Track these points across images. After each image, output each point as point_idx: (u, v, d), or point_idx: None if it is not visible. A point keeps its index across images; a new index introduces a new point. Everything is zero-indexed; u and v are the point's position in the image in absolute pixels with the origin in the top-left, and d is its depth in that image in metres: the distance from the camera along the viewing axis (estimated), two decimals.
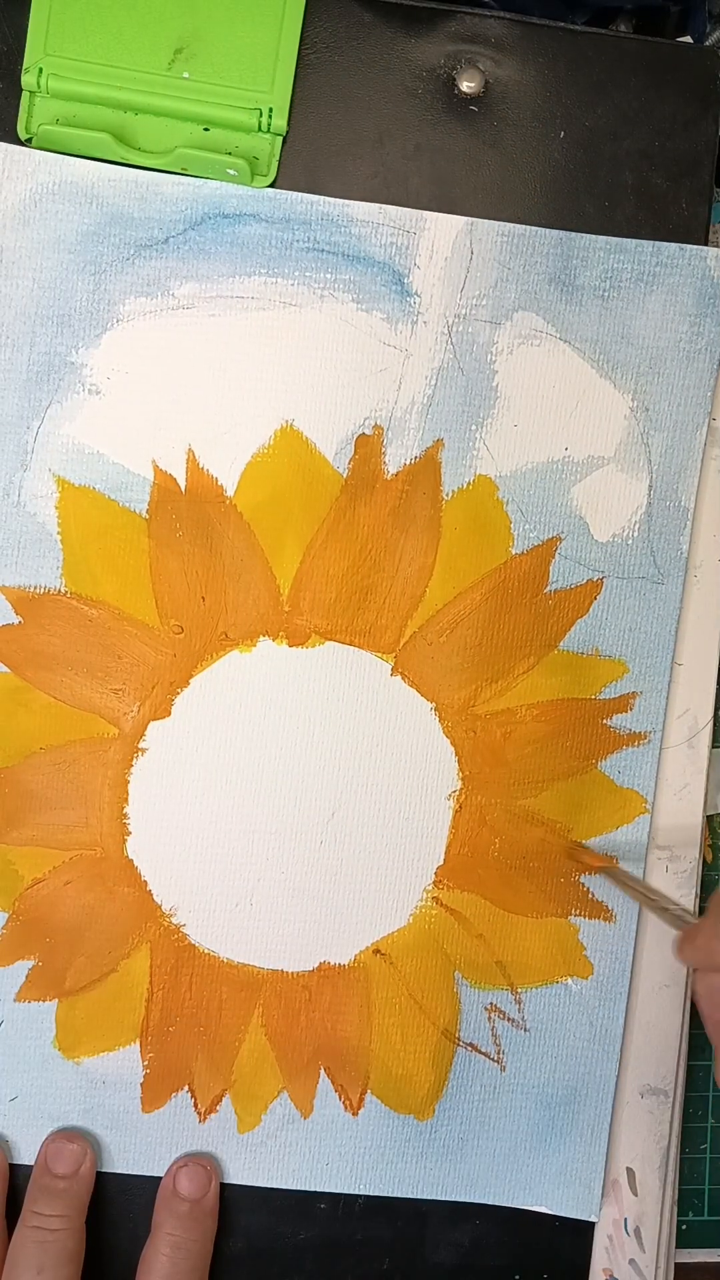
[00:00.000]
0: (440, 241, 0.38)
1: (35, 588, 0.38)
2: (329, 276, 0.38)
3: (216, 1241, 0.38)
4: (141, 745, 0.38)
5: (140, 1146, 0.39)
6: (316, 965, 0.39)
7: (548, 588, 0.39)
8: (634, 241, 0.39)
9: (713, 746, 0.41)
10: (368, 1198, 0.40)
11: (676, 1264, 0.41)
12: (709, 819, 0.41)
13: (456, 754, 0.39)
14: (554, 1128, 0.40)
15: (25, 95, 0.37)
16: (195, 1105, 0.39)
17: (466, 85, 0.38)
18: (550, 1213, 0.40)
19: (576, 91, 0.39)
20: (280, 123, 0.37)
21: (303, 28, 0.37)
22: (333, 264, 0.38)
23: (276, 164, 0.38)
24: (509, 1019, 0.40)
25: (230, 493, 0.38)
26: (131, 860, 0.39)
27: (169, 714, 0.38)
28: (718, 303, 0.39)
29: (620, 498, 0.39)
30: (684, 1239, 0.42)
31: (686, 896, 0.40)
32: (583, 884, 0.40)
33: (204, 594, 0.38)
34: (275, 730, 0.39)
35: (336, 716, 0.39)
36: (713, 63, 0.39)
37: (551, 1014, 0.40)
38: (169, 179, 0.37)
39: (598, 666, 0.40)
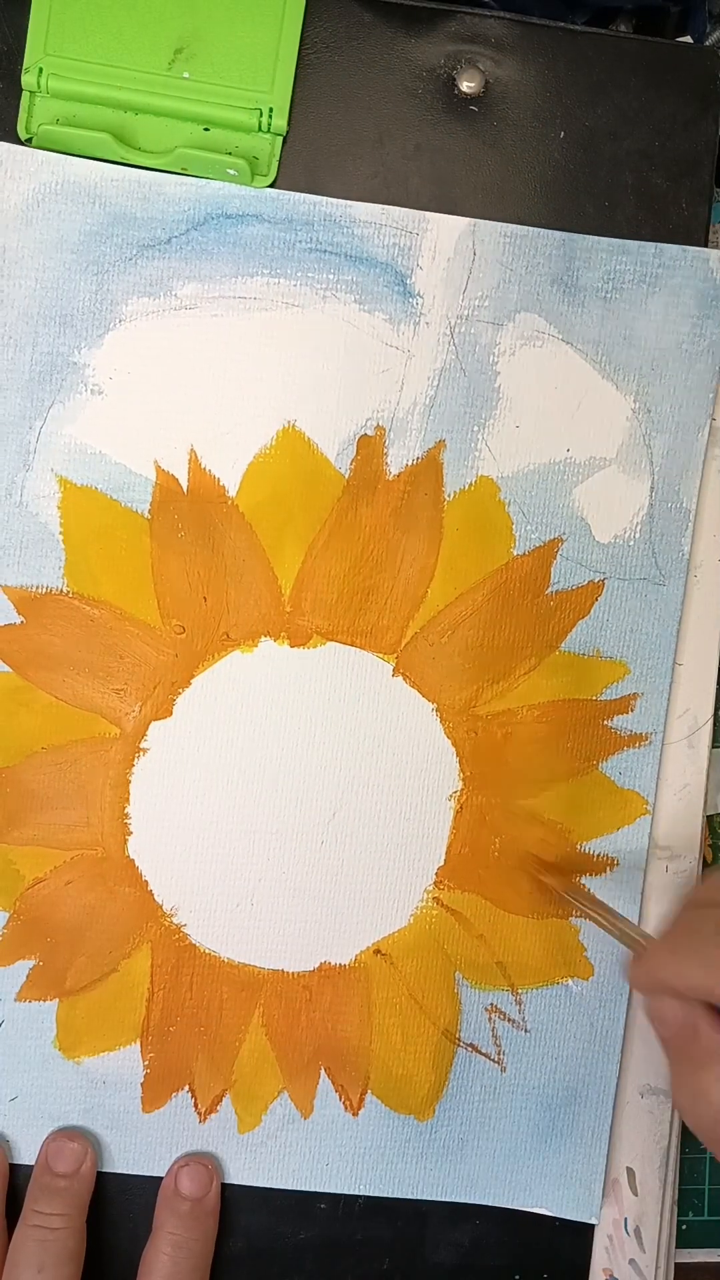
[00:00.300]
0: (443, 242, 0.38)
1: (37, 588, 0.38)
2: (331, 277, 0.38)
3: (217, 1241, 0.39)
4: (143, 745, 0.38)
5: (140, 1146, 0.39)
6: (317, 965, 0.39)
7: (549, 589, 0.39)
8: (636, 243, 0.39)
9: (713, 746, 0.41)
10: (368, 1198, 0.40)
11: (676, 1264, 0.41)
12: (709, 819, 0.41)
13: (458, 755, 0.39)
14: (554, 1129, 0.40)
15: (25, 95, 0.37)
16: (195, 1105, 0.39)
17: (466, 85, 0.38)
18: (550, 1214, 0.40)
19: (576, 91, 0.39)
20: (280, 123, 0.37)
21: (303, 28, 0.37)
22: (335, 265, 0.38)
23: (276, 164, 0.38)
24: (509, 1020, 0.40)
25: (232, 493, 0.38)
26: (132, 860, 0.39)
27: (170, 714, 0.38)
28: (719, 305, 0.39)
29: (622, 499, 0.39)
30: (684, 1239, 0.42)
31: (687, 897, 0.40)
32: (583, 885, 0.40)
33: (206, 594, 0.38)
34: (276, 731, 0.39)
35: (338, 717, 0.39)
36: (713, 63, 0.39)
37: (552, 1015, 0.40)
38: (172, 179, 0.37)
39: (599, 667, 0.40)
